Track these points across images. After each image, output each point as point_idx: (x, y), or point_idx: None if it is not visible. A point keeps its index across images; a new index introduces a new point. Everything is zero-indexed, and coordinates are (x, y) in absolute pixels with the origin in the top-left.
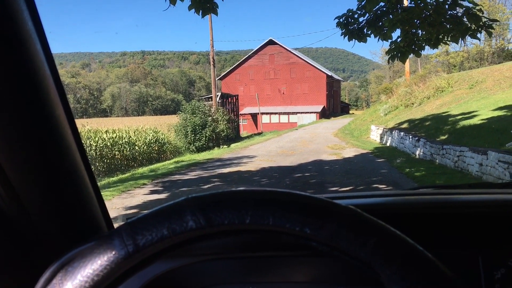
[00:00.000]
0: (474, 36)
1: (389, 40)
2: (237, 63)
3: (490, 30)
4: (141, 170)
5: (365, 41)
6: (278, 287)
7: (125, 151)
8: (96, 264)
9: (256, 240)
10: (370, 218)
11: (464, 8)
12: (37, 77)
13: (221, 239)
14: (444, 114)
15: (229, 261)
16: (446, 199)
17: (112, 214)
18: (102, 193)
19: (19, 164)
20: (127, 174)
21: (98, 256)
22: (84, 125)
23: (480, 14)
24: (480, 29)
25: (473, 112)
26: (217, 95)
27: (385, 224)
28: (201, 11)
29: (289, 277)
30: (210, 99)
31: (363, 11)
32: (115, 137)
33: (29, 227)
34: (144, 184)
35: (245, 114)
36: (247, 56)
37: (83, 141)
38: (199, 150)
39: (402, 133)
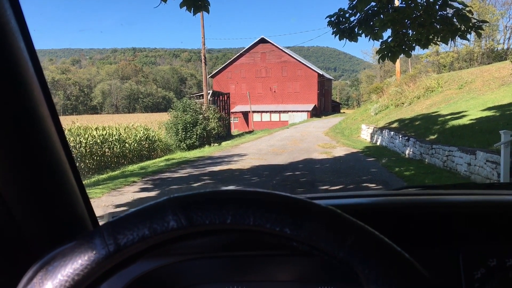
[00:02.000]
0: (463, 37)
1: (380, 40)
2: (229, 61)
3: (479, 31)
4: (131, 167)
5: (356, 40)
6: (261, 286)
7: (115, 149)
8: (76, 264)
9: (238, 239)
10: (349, 218)
11: (454, 9)
12: (21, 75)
13: (203, 238)
14: (433, 114)
15: (212, 260)
16: (429, 200)
17: (101, 212)
18: (91, 191)
19: (0, 162)
20: (117, 172)
21: (79, 256)
22: (74, 122)
23: (470, 15)
24: (469, 30)
25: (462, 112)
26: (209, 93)
27: (363, 224)
28: (192, 8)
29: (272, 276)
30: (201, 97)
31: (354, 10)
32: (105, 134)
33: (11, 226)
34: (134, 181)
35: (236, 112)
36: (238, 54)
37: (72, 138)
38: (190, 148)
39: (392, 132)
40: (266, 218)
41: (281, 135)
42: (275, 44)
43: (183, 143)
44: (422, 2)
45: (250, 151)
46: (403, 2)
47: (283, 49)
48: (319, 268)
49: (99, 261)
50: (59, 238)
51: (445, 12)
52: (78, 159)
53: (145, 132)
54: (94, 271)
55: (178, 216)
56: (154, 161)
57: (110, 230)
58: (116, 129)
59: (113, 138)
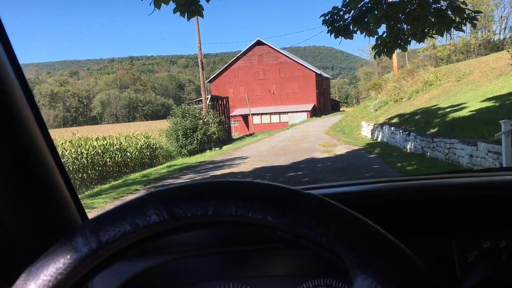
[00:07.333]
0: (458, 28)
1: (375, 36)
2: (226, 65)
3: (474, 22)
4: (133, 176)
5: (351, 37)
6: (257, 282)
7: (116, 158)
8: (59, 263)
9: (231, 234)
10: (332, 203)
11: (448, 1)
12: None
13: (187, 232)
14: (433, 108)
15: (206, 257)
16: (421, 184)
17: None
18: (94, 201)
19: None
20: (119, 181)
21: (61, 255)
22: (74, 133)
23: (464, 6)
24: (464, 21)
25: (461, 104)
26: (207, 98)
27: (347, 209)
28: (186, 14)
29: (268, 270)
30: (200, 102)
31: (348, 8)
32: (106, 144)
33: (3, 236)
34: (137, 189)
35: (236, 115)
36: (235, 57)
37: (74, 149)
38: (191, 153)
39: (392, 128)
40: (248, 207)
41: (282, 136)
42: (271, 45)
43: (184, 149)
44: None
45: (252, 154)
46: None
47: (280, 51)
48: (315, 261)
49: (81, 259)
50: (50, 241)
51: (439, 5)
52: (80, 170)
53: (146, 140)
54: (77, 270)
55: (159, 210)
56: (156, 168)
57: (92, 227)
58: (117, 139)
59: (114, 147)
